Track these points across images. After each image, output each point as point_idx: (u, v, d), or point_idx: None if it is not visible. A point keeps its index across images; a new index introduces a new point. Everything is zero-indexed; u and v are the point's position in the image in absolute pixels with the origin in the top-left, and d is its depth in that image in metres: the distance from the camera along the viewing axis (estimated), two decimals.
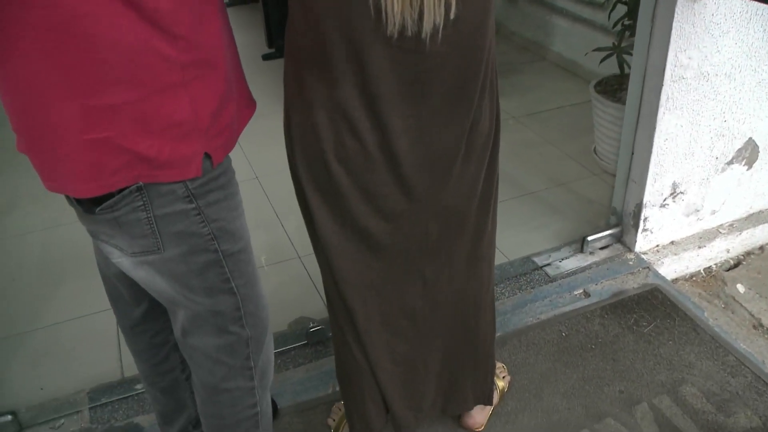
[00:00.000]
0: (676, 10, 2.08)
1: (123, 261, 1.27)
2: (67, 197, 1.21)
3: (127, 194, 1.14)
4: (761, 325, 2.44)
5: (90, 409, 2.10)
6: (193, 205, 1.21)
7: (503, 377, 2.07)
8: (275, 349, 2.21)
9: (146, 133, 1.09)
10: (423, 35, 1.21)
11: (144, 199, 1.16)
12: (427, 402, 1.83)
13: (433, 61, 1.26)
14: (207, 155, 1.18)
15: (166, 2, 1.02)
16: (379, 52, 1.23)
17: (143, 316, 1.54)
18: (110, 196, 1.14)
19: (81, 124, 1.05)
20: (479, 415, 1.95)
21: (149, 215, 1.17)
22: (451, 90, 1.32)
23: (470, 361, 1.81)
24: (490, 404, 1.93)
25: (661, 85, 2.22)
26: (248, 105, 1.34)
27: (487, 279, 1.71)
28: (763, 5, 2.14)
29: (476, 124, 1.41)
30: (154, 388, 1.68)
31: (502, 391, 2.05)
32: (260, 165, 3.23)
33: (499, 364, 2.11)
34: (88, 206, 1.17)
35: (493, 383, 1.91)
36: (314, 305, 2.42)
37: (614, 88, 3.05)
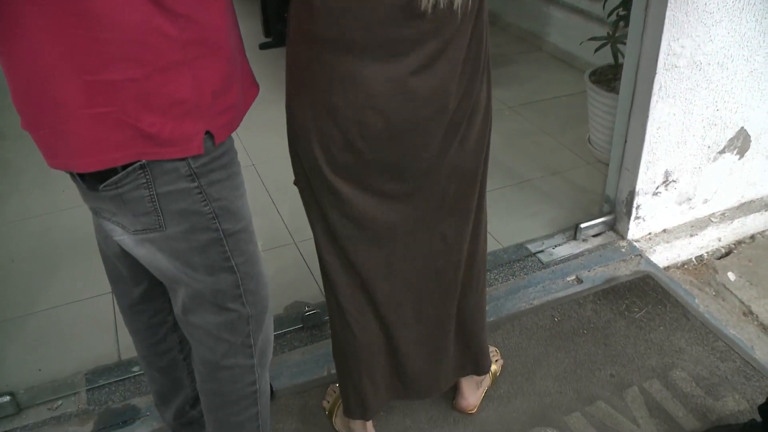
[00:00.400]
0: None
1: (125, 239, 1.29)
2: (71, 175, 1.23)
3: (131, 171, 1.16)
4: (751, 313, 2.47)
5: (87, 390, 2.12)
6: (195, 184, 1.22)
7: (496, 361, 2.10)
8: None
9: (148, 110, 1.10)
10: (455, 6, 1.27)
11: (147, 176, 1.17)
12: (459, 363, 1.88)
13: (455, 27, 1.31)
14: (209, 134, 1.20)
15: None
16: (408, 27, 1.27)
17: (142, 296, 1.56)
18: (114, 172, 1.15)
19: (83, 99, 1.06)
20: (472, 396, 1.98)
21: (152, 193, 1.19)
22: (469, 53, 1.38)
23: (480, 323, 1.85)
24: (488, 371, 1.96)
25: (654, 73, 2.24)
26: (252, 86, 1.35)
27: (486, 235, 1.76)
28: None
29: (482, 83, 1.48)
30: (151, 368, 1.70)
31: (494, 375, 2.07)
32: (256, 152, 3.25)
33: (492, 348, 2.13)
34: (91, 183, 1.19)
35: (488, 352, 1.93)
36: (309, 290, 2.45)
37: (609, 78, 3.07)
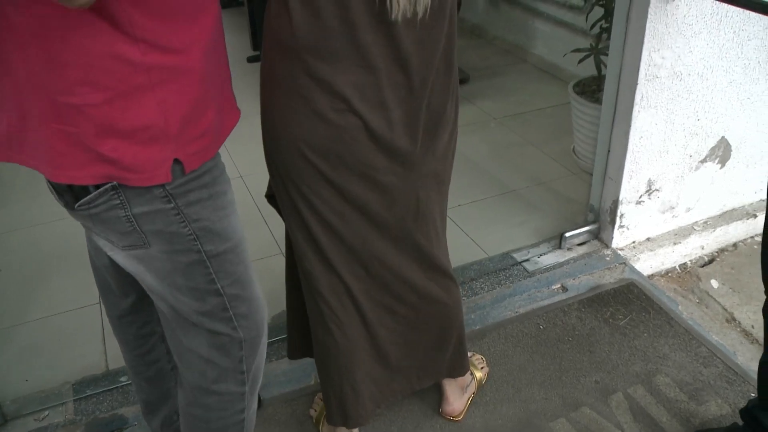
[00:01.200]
0: (650, 11, 2.15)
1: (116, 254, 1.27)
2: (51, 191, 1.22)
3: (103, 192, 1.14)
4: (734, 319, 2.50)
5: (75, 401, 2.12)
6: (172, 205, 1.19)
7: (482, 368, 2.11)
8: None
9: (109, 135, 1.07)
10: (420, 14, 1.32)
11: (120, 197, 1.15)
12: (432, 366, 1.89)
13: (423, 32, 1.36)
14: (177, 161, 1.16)
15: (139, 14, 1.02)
16: (380, 33, 1.32)
17: (131, 307, 1.55)
18: (87, 192, 1.14)
19: (52, 114, 1.06)
20: (458, 402, 1.99)
21: (128, 213, 1.17)
22: (441, 58, 1.43)
23: (456, 324, 1.87)
24: (467, 372, 1.99)
25: (636, 83, 2.28)
26: (232, 110, 1.31)
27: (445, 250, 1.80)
28: (732, 7, 2.20)
29: (455, 91, 1.53)
30: (139, 378, 1.70)
31: (480, 382, 2.09)
32: (244, 164, 3.26)
33: (477, 356, 2.15)
34: (68, 200, 1.18)
35: (465, 352, 1.95)
36: None
37: (592, 89, 3.11)
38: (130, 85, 1.05)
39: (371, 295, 1.68)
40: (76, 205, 1.17)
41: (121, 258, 1.28)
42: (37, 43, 1.00)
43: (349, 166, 1.45)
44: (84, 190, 1.14)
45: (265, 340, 1.48)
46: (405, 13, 1.31)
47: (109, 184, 1.13)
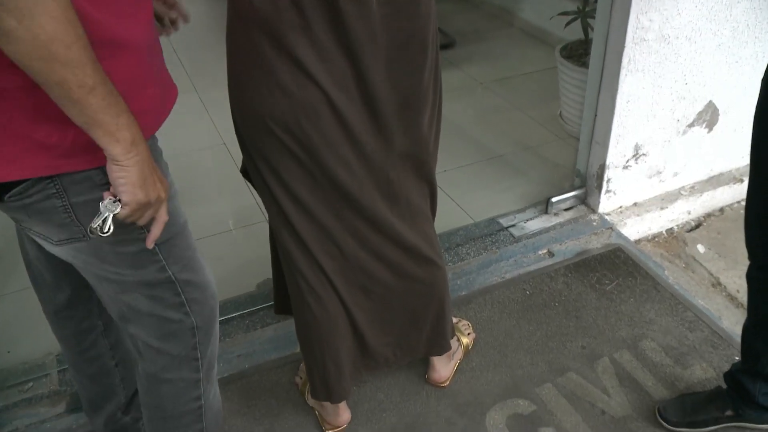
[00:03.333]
0: None
1: (55, 250, 1.22)
2: None
3: (37, 181, 1.07)
4: (720, 284, 2.51)
5: (59, 371, 2.11)
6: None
7: (468, 334, 2.11)
8: (243, 310, 2.25)
9: (43, 120, 1.01)
10: None
11: (57, 186, 1.08)
12: (407, 343, 1.87)
13: (387, 8, 1.32)
14: None
15: None
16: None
17: (68, 301, 1.49)
18: (17, 182, 1.07)
19: None
20: (444, 369, 1.99)
21: (65, 203, 1.11)
22: (413, 38, 1.39)
23: (436, 306, 1.84)
24: (443, 353, 1.97)
25: (623, 47, 2.25)
26: (171, 90, 1.24)
27: (433, 215, 1.77)
28: None
29: (431, 69, 1.47)
30: (81, 375, 1.64)
31: (466, 348, 2.09)
32: (228, 131, 3.21)
33: (464, 322, 2.15)
34: None
35: (449, 331, 1.93)
36: None
37: (579, 52, 3.08)
38: None
39: (345, 275, 1.65)
40: (6, 197, 1.09)
41: (60, 252, 1.22)
42: None
43: (315, 142, 1.41)
44: (16, 181, 1.07)
45: (218, 326, 1.45)
46: None
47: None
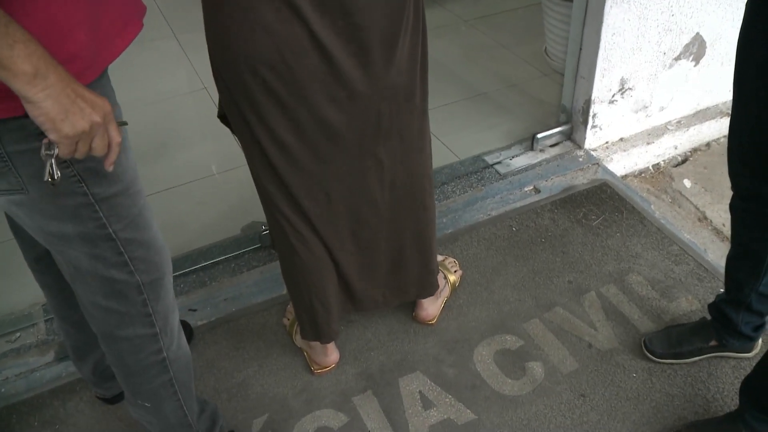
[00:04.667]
0: None
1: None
2: None
3: None
4: (705, 218, 2.51)
5: (45, 321, 2.11)
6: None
7: (455, 271, 2.11)
8: (229, 254, 2.24)
9: None
10: None
11: None
12: (396, 285, 1.87)
13: None
14: None
15: None
16: None
17: (47, 250, 1.42)
18: None
19: None
20: (431, 307, 1.99)
21: (1, 151, 1.05)
22: None
23: (422, 245, 1.83)
24: (434, 293, 1.97)
25: None
26: (125, 29, 1.14)
27: (430, 152, 1.73)
28: None
29: (409, 5, 1.41)
30: (65, 323, 1.63)
31: (453, 285, 2.09)
32: (208, 75, 3.16)
33: (450, 259, 2.14)
34: None
35: (436, 270, 1.93)
36: None
37: None
38: None
39: (331, 220, 1.63)
40: None
41: (3, 203, 1.18)
42: None
43: (301, 80, 1.36)
44: None
45: (169, 278, 1.41)
46: None
47: None
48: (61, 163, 1.07)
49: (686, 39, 2.53)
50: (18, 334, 2.08)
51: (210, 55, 1.39)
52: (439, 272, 1.99)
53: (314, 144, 1.48)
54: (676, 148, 2.79)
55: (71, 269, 1.28)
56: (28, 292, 2.17)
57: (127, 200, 1.23)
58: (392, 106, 1.52)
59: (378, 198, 1.66)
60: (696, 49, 2.59)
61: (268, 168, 1.51)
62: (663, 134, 2.72)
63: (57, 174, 1.00)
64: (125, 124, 1.14)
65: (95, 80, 1.10)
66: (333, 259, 1.71)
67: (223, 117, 1.58)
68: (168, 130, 2.94)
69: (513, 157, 2.63)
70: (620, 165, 2.67)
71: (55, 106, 0.95)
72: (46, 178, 1.00)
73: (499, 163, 2.60)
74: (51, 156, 0.99)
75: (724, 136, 2.83)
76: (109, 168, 1.08)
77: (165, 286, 1.39)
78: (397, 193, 1.69)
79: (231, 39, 1.31)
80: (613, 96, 2.53)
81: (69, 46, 1.02)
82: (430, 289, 1.94)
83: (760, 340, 1.85)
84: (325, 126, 1.45)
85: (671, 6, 2.39)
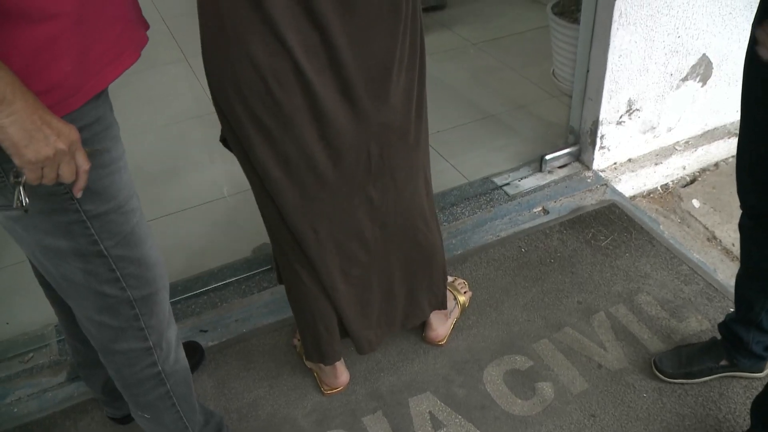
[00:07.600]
0: None
1: None
2: None
3: None
4: (715, 238, 2.51)
5: (58, 341, 2.12)
6: None
7: (464, 292, 2.12)
8: (240, 275, 2.25)
9: None
10: None
11: None
12: (386, 320, 1.87)
13: None
14: None
15: None
16: None
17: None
18: None
19: None
20: (441, 328, 2.00)
21: None
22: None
23: (426, 272, 1.84)
24: (445, 308, 1.97)
25: (614, 0, 2.22)
26: (114, 61, 1.14)
27: (426, 187, 1.72)
28: None
29: (405, 35, 1.40)
30: (74, 339, 1.65)
31: (463, 306, 2.09)
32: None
33: (460, 280, 2.15)
34: None
35: (445, 287, 1.94)
36: None
37: (571, 9, 3.04)
38: None
39: (321, 257, 1.62)
40: None
41: (2, 220, 1.20)
42: None
43: (289, 115, 1.36)
44: None
45: (164, 294, 1.42)
46: None
47: None
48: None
49: (693, 60, 2.55)
50: (31, 355, 2.09)
51: (207, 82, 1.39)
52: (443, 303, 1.98)
53: (301, 180, 1.47)
54: (684, 169, 2.80)
55: (65, 284, 1.30)
56: (40, 312, 2.19)
57: (120, 218, 1.25)
58: (383, 145, 1.50)
59: (368, 236, 1.65)
60: (703, 70, 2.60)
61: (264, 196, 1.53)
62: (671, 155, 2.73)
63: (26, 200, 1.02)
64: (97, 151, 1.16)
65: (86, 104, 1.11)
66: (327, 296, 1.71)
67: (225, 141, 1.59)
68: (179, 153, 2.97)
69: (521, 179, 2.64)
70: (629, 185, 2.67)
71: (19, 131, 0.96)
72: (15, 205, 1.01)
73: (507, 184, 2.61)
74: (19, 183, 1.01)
75: (733, 156, 2.85)
76: (78, 194, 1.11)
77: (159, 302, 1.40)
78: (389, 231, 1.68)
79: (223, 68, 1.31)
80: (620, 117, 2.55)
81: (51, 76, 1.03)
82: (440, 304, 1.94)
83: None
84: (313, 163, 1.44)
85: (677, 28, 2.41)
